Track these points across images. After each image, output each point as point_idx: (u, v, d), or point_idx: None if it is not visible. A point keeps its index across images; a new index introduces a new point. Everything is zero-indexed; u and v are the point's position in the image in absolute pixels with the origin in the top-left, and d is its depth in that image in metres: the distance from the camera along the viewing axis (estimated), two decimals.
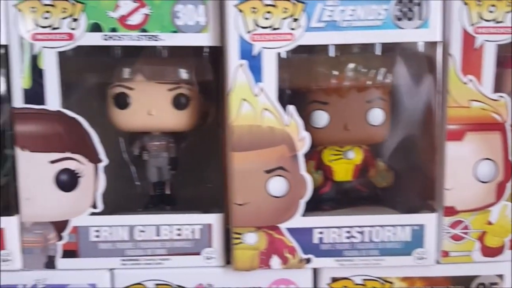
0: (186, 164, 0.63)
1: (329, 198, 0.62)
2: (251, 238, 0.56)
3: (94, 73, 0.59)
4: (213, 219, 0.57)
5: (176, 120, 0.59)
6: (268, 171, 0.55)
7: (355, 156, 0.61)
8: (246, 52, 0.53)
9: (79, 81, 0.59)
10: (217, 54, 0.56)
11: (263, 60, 0.53)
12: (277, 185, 0.55)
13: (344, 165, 0.61)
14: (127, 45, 0.55)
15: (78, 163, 0.56)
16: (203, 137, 0.62)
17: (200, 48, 0.56)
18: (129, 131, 0.61)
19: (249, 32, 0.53)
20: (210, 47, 0.55)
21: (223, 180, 0.57)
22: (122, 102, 0.58)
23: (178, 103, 0.59)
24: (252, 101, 0.54)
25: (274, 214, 0.56)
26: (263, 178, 0.55)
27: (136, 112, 0.58)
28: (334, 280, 0.59)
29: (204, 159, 0.64)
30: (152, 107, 0.58)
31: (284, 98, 0.56)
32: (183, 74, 0.58)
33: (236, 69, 0.53)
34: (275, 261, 0.57)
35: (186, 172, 0.63)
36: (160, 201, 0.62)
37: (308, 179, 0.55)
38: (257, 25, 0.53)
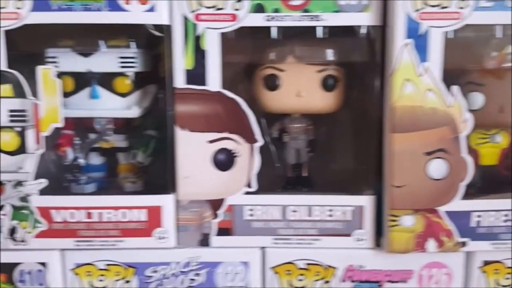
0: (323, 146, 0.63)
1: (472, 183, 0.61)
2: (408, 221, 0.56)
3: (243, 54, 0.60)
4: (365, 201, 0.57)
5: (324, 101, 0.59)
6: (429, 153, 0.54)
7: (503, 139, 0.60)
8: (413, 31, 0.52)
9: (227, 62, 0.59)
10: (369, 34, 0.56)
11: (429, 39, 0.52)
12: (437, 168, 0.55)
13: (491, 149, 0.60)
14: (284, 26, 0.55)
15: (235, 143, 0.57)
16: (344, 119, 0.62)
17: (351, 28, 0.56)
18: (273, 113, 0.61)
19: (417, 10, 0.52)
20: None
21: (376, 161, 0.57)
22: (272, 83, 0.58)
23: (327, 84, 0.58)
24: (416, 81, 0.53)
25: (432, 197, 0.55)
26: (423, 160, 0.54)
27: (285, 94, 0.58)
28: (486, 263, 0.58)
29: (342, 141, 0.64)
30: (301, 89, 0.58)
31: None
32: (334, 55, 0.58)
33: (401, 49, 0.53)
34: (431, 244, 0.56)
35: (323, 154, 0.64)
36: (297, 183, 0.63)
37: (469, 162, 0.55)
38: (426, 4, 0.52)
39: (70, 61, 0.57)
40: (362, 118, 0.60)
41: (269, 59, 0.58)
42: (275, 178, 0.63)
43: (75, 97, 0.58)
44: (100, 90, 0.58)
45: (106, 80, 0.58)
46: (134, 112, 0.59)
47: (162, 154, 0.61)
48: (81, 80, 0.58)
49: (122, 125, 0.62)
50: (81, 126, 0.62)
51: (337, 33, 0.56)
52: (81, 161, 0.61)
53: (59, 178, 0.61)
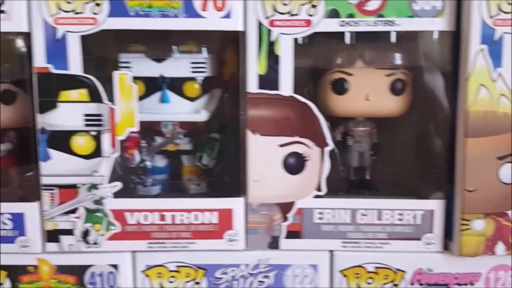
0: (386, 149, 0.64)
1: None
2: (479, 225, 0.56)
3: (312, 59, 0.60)
4: (436, 205, 0.58)
5: (392, 105, 0.59)
6: (501, 158, 0.55)
7: None
8: (487, 37, 0.53)
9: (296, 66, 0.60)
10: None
11: (504, 45, 0.53)
12: (509, 172, 0.55)
13: None
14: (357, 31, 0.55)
15: (306, 147, 0.58)
16: (408, 122, 0.63)
17: (421, 32, 0.57)
18: (337, 116, 0.61)
19: (491, 17, 0.52)
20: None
21: (445, 166, 0.57)
22: (340, 87, 0.59)
23: (396, 88, 0.59)
24: (490, 86, 0.54)
25: (503, 201, 0.55)
26: (495, 165, 0.55)
27: (353, 98, 0.59)
28: None
29: (406, 144, 0.64)
30: (370, 93, 0.59)
31: None
32: (403, 59, 0.59)
33: (476, 54, 0.53)
34: (499, 247, 0.56)
35: (386, 157, 0.64)
36: (360, 186, 0.63)
37: None
38: (500, 10, 0.52)
39: (143, 66, 0.58)
40: (428, 122, 0.60)
41: (337, 64, 0.59)
42: (338, 181, 0.63)
43: (145, 101, 0.59)
44: (170, 95, 0.59)
45: (176, 84, 0.59)
46: (202, 116, 0.60)
47: (226, 156, 0.62)
48: (152, 85, 0.59)
49: (188, 128, 0.63)
50: (147, 129, 0.63)
51: (406, 37, 0.57)
52: (148, 163, 0.63)
53: (125, 180, 0.62)
